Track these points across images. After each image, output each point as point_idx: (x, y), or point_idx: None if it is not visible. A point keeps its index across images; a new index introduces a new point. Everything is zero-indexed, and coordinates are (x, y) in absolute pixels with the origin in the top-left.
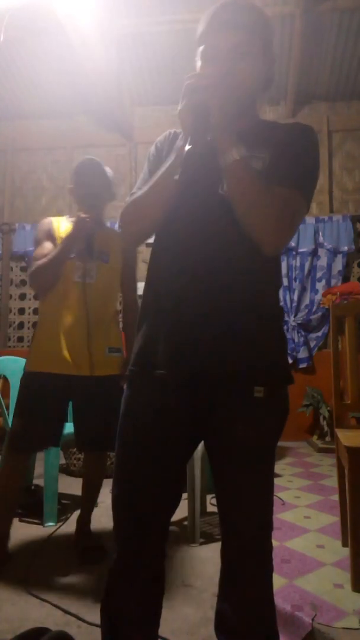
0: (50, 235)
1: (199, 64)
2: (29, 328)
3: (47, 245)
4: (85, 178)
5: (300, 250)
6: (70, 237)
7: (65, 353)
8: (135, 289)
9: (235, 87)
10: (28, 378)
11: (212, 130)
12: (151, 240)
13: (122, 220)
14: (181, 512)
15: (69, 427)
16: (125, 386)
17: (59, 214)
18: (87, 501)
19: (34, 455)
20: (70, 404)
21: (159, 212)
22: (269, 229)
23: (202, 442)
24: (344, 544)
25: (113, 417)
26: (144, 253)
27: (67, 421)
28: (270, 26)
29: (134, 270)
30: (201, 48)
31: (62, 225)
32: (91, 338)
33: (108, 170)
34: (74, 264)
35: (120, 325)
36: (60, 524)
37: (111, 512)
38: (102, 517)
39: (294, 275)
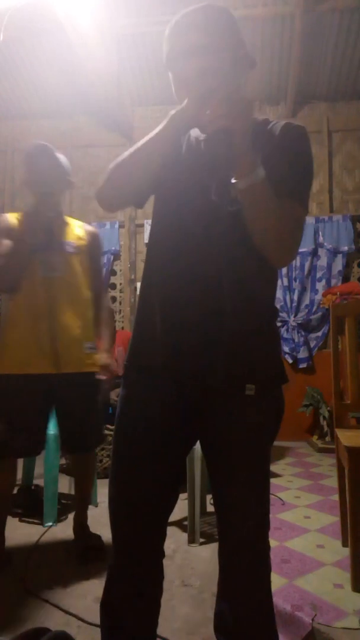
0: (8, 232)
1: (173, 88)
2: None
3: (5, 243)
4: (37, 164)
5: (300, 250)
6: (26, 231)
7: (31, 352)
8: (101, 279)
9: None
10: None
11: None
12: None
13: (106, 180)
14: (181, 512)
15: None
16: (121, 385)
17: None
18: (81, 501)
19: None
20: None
21: (144, 174)
22: (282, 247)
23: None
24: (344, 544)
25: (95, 414)
26: (143, 253)
27: (47, 425)
28: (233, 25)
29: (99, 261)
30: (171, 74)
31: (19, 221)
32: (59, 334)
33: (61, 155)
34: (36, 258)
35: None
36: (52, 524)
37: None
38: (102, 517)
39: (294, 275)
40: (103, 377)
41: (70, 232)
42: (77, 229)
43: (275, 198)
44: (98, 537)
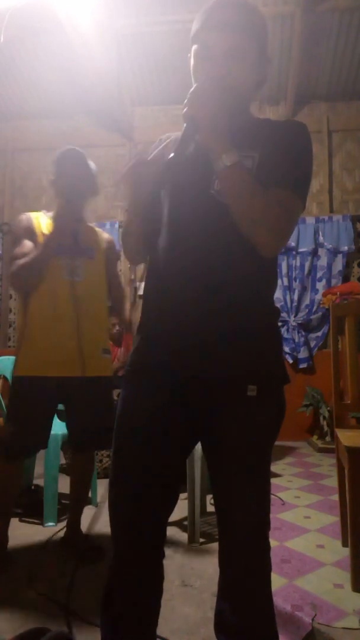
0: (30, 233)
1: (192, 63)
2: None
3: (28, 244)
4: (67, 168)
5: (300, 250)
6: (55, 234)
7: (56, 355)
8: (120, 284)
9: (228, 89)
10: (18, 383)
11: (200, 140)
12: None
13: (122, 246)
14: (181, 512)
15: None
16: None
17: None
18: (79, 501)
19: (33, 455)
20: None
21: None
22: (265, 232)
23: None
24: (344, 544)
25: (107, 416)
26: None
27: (52, 423)
28: (266, 26)
29: (116, 266)
30: (195, 47)
31: (43, 221)
32: (82, 338)
33: (91, 163)
34: (60, 261)
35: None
36: (52, 524)
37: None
38: (102, 517)
39: (294, 275)
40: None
41: (92, 238)
42: (97, 236)
43: (258, 184)
44: (97, 538)
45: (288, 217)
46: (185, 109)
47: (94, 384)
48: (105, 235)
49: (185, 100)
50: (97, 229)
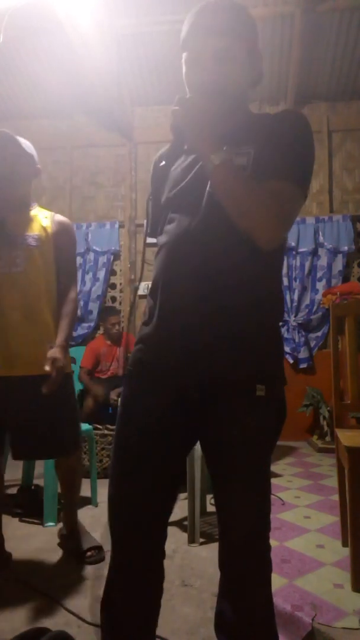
0: None
1: (184, 69)
2: None
3: None
4: None
5: (300, 250)
6: None
7: None
8: (71, 270)
9: (221, 92)
10: None
11: (188, 147)
12: (153, 240)
13: None
14: (181, 512)
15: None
16: (122, 386)
17: (60, 213)
18: (69, 500)
19: None
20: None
21: None
22: (261, 225)
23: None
24: (344, 544)
25: (61, 419)
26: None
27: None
28: (254, 24)
29: (69, 251)
30: (185, 54)
31: None
32: (11, 333)
33: (24, 142)
34: None
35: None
36: (52, 524)
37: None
38: (102, 517)
39: (294, 275)
40: (48, 371)
41: (34, 224)
42: (43, 220)
43: (251, 180)
44: (90, 537)
45: (284, 207)
46: (171, 121)
47: (33, 384)
48: (58, 217)
49: (170, 113)
50: (46, 212)
